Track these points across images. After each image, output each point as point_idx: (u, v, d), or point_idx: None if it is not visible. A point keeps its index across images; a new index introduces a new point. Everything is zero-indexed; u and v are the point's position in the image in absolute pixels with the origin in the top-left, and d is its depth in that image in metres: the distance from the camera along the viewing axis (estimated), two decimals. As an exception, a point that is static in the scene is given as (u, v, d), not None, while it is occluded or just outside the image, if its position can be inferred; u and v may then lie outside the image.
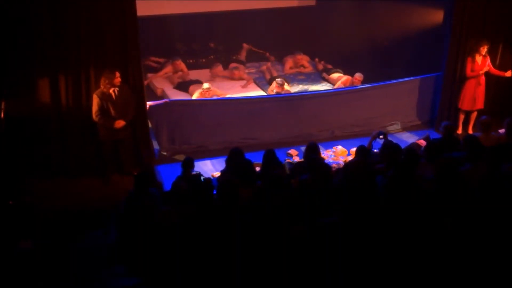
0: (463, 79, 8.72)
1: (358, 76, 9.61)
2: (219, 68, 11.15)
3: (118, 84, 7.10)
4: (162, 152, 8.20)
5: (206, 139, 8.36)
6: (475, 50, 8.51)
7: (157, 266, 4.53)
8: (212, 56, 11.95)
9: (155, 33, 11.14)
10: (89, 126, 7.31)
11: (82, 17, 6.94)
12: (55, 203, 6.82)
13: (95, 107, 7.10)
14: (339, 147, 8.32)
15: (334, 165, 7.59)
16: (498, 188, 4.53)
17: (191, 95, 9.47)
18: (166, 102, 8.23)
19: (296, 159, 7.99)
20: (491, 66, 8.67)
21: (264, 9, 11.93)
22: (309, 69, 11.29)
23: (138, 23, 7.27)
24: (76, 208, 6.74)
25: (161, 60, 11.18)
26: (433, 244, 4.21)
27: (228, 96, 9.50)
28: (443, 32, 8.84)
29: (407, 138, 8.79)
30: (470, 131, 8.87)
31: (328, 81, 10.51)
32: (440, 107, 9.07)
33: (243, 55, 11.80)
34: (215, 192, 5.29)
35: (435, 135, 8.43)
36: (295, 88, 10.04)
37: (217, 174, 7.24)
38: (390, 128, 9.11)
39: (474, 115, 8.92)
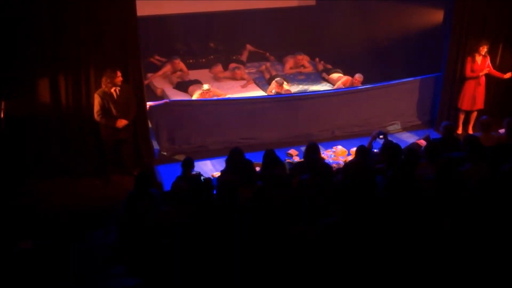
0: (463, 79, 8.73)
1: (358, 77, 9.62)
2: (219, 68, 11.16)
3: (119, 83, 7.10)
4: (162, 152, 8.20)
5: (206, 139, 8.36)
6: (475, 50, 8.52)
7: (157, 266, 4.53)
8: (212, 56, 11.95)
9: (155, 33, 11.16)
10: (89, 126, 7.31)
11: (82, 17, 6.95)
12: (55, 203, 6.82)
13: (96, 107, 7.09)
14: (339, 147, 8.32)
15: (334, 165, 7.59)
16: (498, 188, 4.53)
17: (191, 96, 9.47)
18: (166, 102, 8.24)
19: (296, 159, 7.99)
20: (491, 67, 8.67)
21: (264, 9, 11.94)
22: (309, 69, 11.29)
23: (138, 23, 7.27)
24: (76, 208, 6.75)
25: (164, 59, 11.20)
26: (433, 244, 4.21)
27: (228, 96, 9.50)
28: (443, 32, 8.85)
29: (407, 138, 8.79)
30: (470, 131, 8.88)
31: (328, 81, 10.51)
32: (440, 107, 9.07)
33: (244, 56, 11.80)
34: (215, 192, 5.30)
35: (435, 135, 8.43)
36: (295, 88, 10.05)
37: (217, 174, 7.24)
38: (390, 128, 9.11)
39: (474, 115, 8.92)
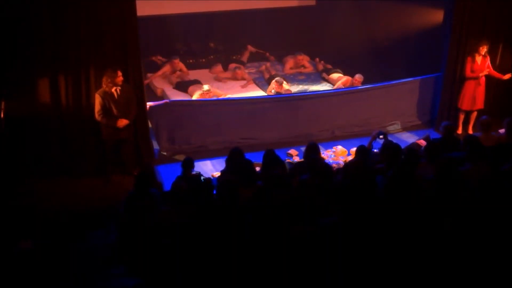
0: (463, 79, 8.73)
1: (358, 77, 9.62)
2: (218, 68, 11.16)
3: (120, 83, 7.10)
4: (162, 152, 8.20)
5: (206, 139, 8.36)
6: (475, 50, 8.51)
7: (157, 266, 4.53)
8: (212, 56, 11.96)
9: (155, 33, 11.16)
10: (89, 126, 7.32)
11: (82, 17, 6.95)
12: (55, 203, 6.82)
13: (97, 107, 7.10)
14: (339, 147, 8.32)
15: (334, 165, 7.59)
16: (498, 188, 4.53)
17: (191, 96, 9.46)
18: (166, 103, 8.24)
19: (296, 159, 7.99)
20: (491, 68, 8.67)
21: (264, 9, 11.94)
22: (309, 69, 11.29)
23: (138, 23, 7.27)
24: (76, 208, 6.75)
25: (164, 59, 11.21)
26: (433, 244, 4.20)
27: (228, 96, 9.50)
28: (443, 32, 8.85)
29: (407, 138, 8.79)
30: (470, 131, 8.88)
31: (328, 81, 10.51)
32: (440, 107, 9.07)
33: (245, 56, 11.80)
34: (215, 192, 5.29)
35: (435, 135, 8.43)
36: (295, 88, 10.05)
37: (217, 174, 7.24)
38: (390, 128, 9.11)
39: (474, 115, 8.92)
